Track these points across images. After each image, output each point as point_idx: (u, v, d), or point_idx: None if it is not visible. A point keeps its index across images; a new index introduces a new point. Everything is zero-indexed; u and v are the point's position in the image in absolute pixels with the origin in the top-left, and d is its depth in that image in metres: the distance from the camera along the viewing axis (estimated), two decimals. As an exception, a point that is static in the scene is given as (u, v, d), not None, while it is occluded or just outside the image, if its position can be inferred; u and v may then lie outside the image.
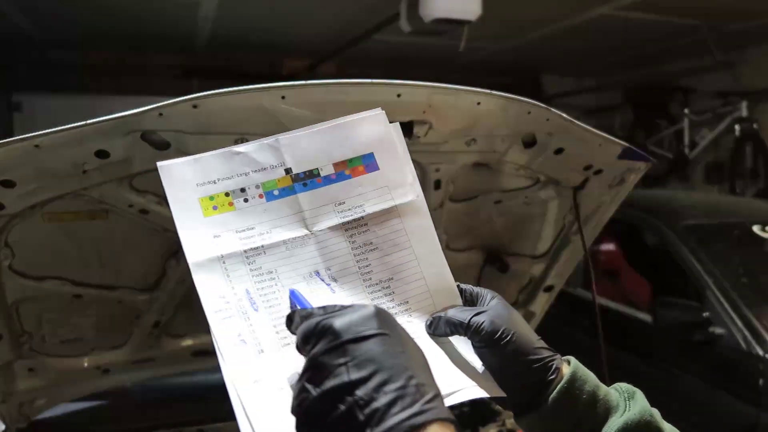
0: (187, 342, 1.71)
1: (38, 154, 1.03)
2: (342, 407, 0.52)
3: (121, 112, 1.01)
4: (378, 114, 0.81)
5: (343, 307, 0.60)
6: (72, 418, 1.80)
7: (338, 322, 0.56)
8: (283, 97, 1.06)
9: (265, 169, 0.77)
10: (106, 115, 1.01)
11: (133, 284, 1.50)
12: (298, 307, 0.68)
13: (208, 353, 1.70)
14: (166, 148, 1.10)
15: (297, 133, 0.78)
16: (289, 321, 0.63)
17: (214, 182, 0.76)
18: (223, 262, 0.73)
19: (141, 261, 1.45)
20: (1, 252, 1.24)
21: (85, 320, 1.51)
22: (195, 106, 1.03)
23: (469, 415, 1.87)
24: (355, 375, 0.53)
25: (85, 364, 1.61)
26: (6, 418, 1.52)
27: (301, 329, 0.59)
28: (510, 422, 1.83)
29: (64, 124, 1.00)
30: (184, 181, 0.75)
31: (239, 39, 5.28)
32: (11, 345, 1.43)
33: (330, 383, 0.53)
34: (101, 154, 1.08)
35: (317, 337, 0.57)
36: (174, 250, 1.44)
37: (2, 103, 5.59)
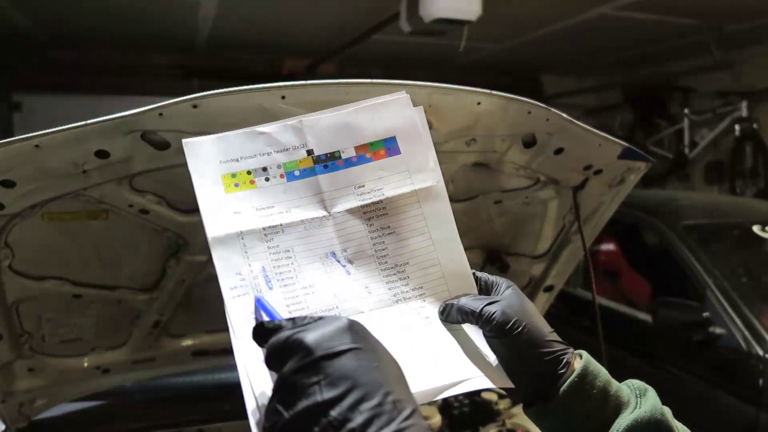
0: (187, 342, 1.71)
1: (38, 154, 1.03)
2: (316, 429, 0.50)
3: (121, 112, 1.01)
4: (402, 97, 0.81)
5: (314, 320, 0.57)
6: (72, 418, 1.80)
7: (310, 337, 0.54)
8: (283, 97, 1.05)
9: (287, 149, 0.78)
10: (106, 115, 1.01)
11: (132, 284, 1.50)
12: (265, 317, 0.66)
13: (207, 353, 1.70)
14: (166, 148, 1.10)
15: (320, 115, 0.79)
16: (256, 333, 0.60)
17: (237, 160, 0.76)
18: (242, 238, 0.73)
19: (141, 261, 1.45)
20: (1, 252, 1.24)
21: (85, 320, 1.51)
22: (195, 106, 1.03)
23: (469, 415, 1.87)
24: (328, 394, 0.51)
25: (85, 364, 1.61)
26: (6, 418, 1.52)
27: (271, 344, 0.57)
28: (510, 422, 1.83)
29: (64, 124, 1.00)
30: (208, 157, 0.76)
31: (239, 39, 5.28)
32: (11, 345, 1.43)
33: (302, 404, 0.51)
34: (101, 154, 1.08)
35: (288, 353, 0.55)
36: (174, 250, 1.44)
37: (2, 103, 5.59)
